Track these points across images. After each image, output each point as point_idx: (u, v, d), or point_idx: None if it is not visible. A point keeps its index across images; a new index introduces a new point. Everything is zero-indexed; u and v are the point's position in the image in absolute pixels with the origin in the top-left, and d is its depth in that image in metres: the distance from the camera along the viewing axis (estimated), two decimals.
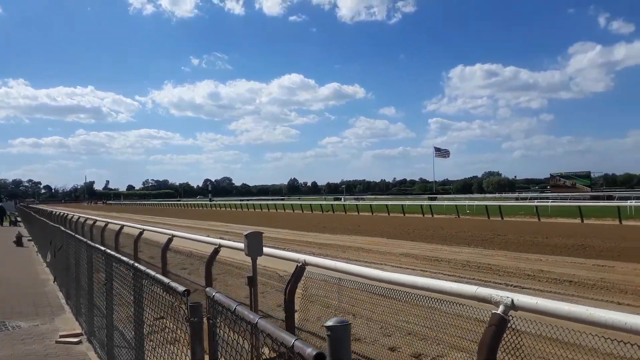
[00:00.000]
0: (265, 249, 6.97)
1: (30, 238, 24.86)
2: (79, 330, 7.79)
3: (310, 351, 1.85)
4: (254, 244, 6.81)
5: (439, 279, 6.24)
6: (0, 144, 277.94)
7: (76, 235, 8.76)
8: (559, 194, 73.93)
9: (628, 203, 34.81)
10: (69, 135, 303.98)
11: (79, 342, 7.26)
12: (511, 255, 14.77)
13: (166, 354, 4.20)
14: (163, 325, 4.91)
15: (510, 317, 3.81)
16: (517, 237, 19.83)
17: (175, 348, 4.11)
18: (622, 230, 23.44)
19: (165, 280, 3.68)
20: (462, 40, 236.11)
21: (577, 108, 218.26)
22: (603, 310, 3.31)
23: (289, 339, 2.02)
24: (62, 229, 11.25)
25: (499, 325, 3.78)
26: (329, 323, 1.87)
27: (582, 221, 29.93)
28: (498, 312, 3.82)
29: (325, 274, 6.45)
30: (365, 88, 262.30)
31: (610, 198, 62.62)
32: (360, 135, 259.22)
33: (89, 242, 7.37)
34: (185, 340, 3.97)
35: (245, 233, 6.82)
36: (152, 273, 4.02)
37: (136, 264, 4.61)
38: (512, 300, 3.78)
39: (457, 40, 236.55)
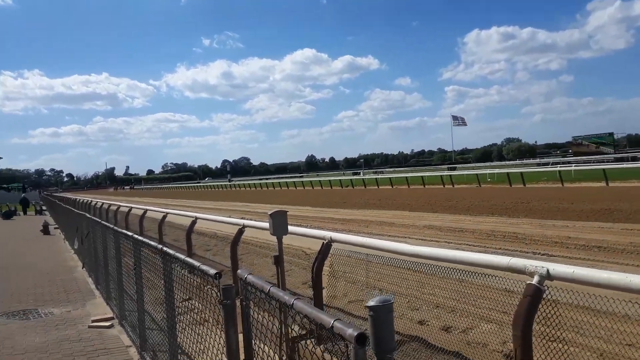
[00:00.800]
0: (290, 228, 6.95)
1: (56, 226, 25.31)
2: (110, 315, 7.92)
3: (351, 332, 1.80)
4: (279, 223, 6.79)
5: (463, 250, 6.18)
6: (21, 135, 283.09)
7: (102, 222, 8.85)
8: (582, 157, 72.79)
9: None
10: (87, 123, 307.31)
11: (111, 326, 7.38)
12: (536, 222, 14.59)
13: (195, 334, 4.25)
14: (191, 307, 4.97)
15: (546, 287, 3.74)
16: (541, 204, 19.58)
17: (204, 328, 4.15)
18: None
19: (196, 263, 3.67)
20: (475, 3, 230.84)
21: (598, 67, 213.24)
22: None
23: (328, 320, 1.98)
24: (88, 215, 11.39)
25: (534, 296, 3.71)
26: (371, 303, 1.81)
27: (607, 184, 29.46)
28: (533, 282, 3.74)
29: (351, 250, 6.41)
30: (379, 59, 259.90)
31: (635, 159, 61.36)
32: (375, 107, 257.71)
33: (116, 228, 7.43)
34: (213, 320, 4.00)
35: (269, 212, 6.79)
36: (182, 257, 4.02)
37: (164, 248, 4.62)
38: (548, 270, 3.69)
39: (472, 3, 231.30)
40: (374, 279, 7.10)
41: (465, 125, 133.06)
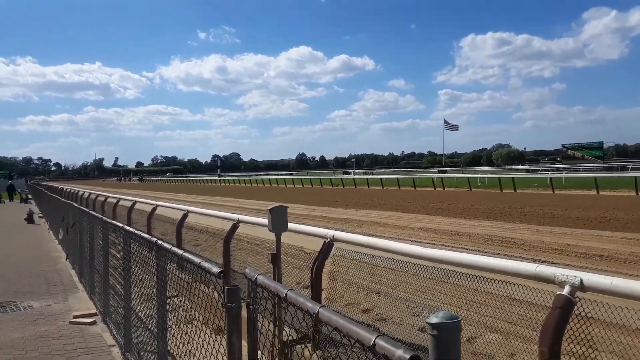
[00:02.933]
0: (290, 225, 6.60)
1: (41, 215, 24.69)
2: (93, 310, 7.51)
3: (401, 354, 1.46)
4: (279, 219, 6.43)
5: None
6: (10, 122, 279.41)
7: (90, 212, 8.42)
8: (571, 165, 73.18)
9: None
10: (77, 113, 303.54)
11: (94, 323, 6.97)
12: (533, 228, 14.35)
13: (182, 334, 4.01)
14: (177, 305, 4.62)
15: (577, 299, 3.43)
16: (535, 210, 19.38)
17: (189, 329, 3.88)
18: None
19: (196, 259, 3.31)
20: (473, 7, 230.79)
21: (590, 76, 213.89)
22: None
23: (369, 337, 1.63)
24: (75, 205, 10.95)
25: (565, 308, 3.39)
26: (434, 319, 1.47)
27: (598, 192, 29.43)
28: (563, 293, 3.43)
29: (354, 251, 6.07)
30: (375, 60, 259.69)
31: (623, 169, 61.83)
32: (369, 108, 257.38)
33: (105, 218, 7.03)
34: (202, 319, 3.71)
35: (268, 207, 6.43)
36: (180, 252, 3.66)
37: (160, 242, 4.25)
38: (581, 280, 3.38)
39: (469, 8, 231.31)
40: (376, 282, 6.78)
41: (457, 130, 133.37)
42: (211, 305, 3.40)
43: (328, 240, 6.21)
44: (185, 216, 11.15)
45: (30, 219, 22.19)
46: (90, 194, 22.83)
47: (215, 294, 3.07)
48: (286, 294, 2.34)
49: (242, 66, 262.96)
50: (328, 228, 14.13)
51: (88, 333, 6.49)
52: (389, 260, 5.44)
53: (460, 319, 1.47)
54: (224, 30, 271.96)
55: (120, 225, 5.90)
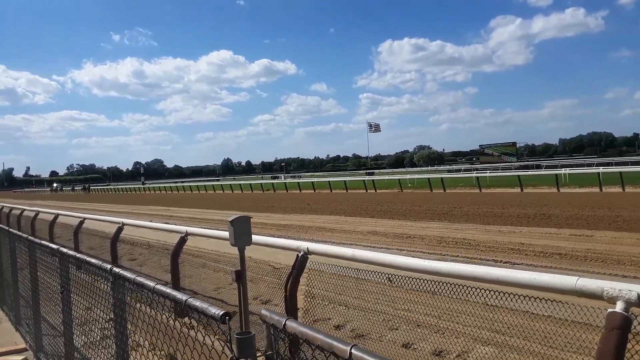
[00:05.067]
0: (255, 237, 5.83)
1: None
2: (22, 345, 6.39)
3: None
4: (241, 232, 5.65)
5: (420, 257, 5.32)
6: None
7: (11, 230, 7.23)
8: (490, 164, 76.39)
9: (563, 171, 35.84)
10: None
11: None
12: (481, 228, 14.27)
13: None
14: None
15: (633, 316, 2.96)
16: (474, 209, 19.53)
17: (138, 354, 3.37)
18: (566, 197, 23.76)
19: (181, 296, 2.52)
20: (391, 13, 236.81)
21: (499, 81, 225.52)
22: None
23: None
24: None
25: (623, 328, 2.91)
26: None
27: (522, 190, 30.48)
28: (617, 310, 2.96)
29: (333, 264, 5.41)
30: (297, 64, 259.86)
31: (538, 167, 65.61)
32: (292, 112, 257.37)
33: (31, 237, 5.95)
34: (149, 345, 3.15)
35: (229, 218, 5.63)
36: (151, 284, 2.83)
37: (115, 269, 3.40)
38: (638, 295, 2.92)
39: (387, 13, 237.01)
40: (354, 296, 6.17)
41: (380, 131, 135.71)
42: (160, 330, 2.84)
43: (301, 253, 5.52)
44: (120, 229, 10.04)
45: None
46: (2, 207, 20.74)
47: (216, 344, 2.32)
48: (351, 351, 1.64)
49: (160, 70, 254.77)
50: (272, 235, 13.39)
51: None
52: (378, 274, 4.83)
53: None
54: (140, 33, 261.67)
55: (55, 247, 4.90)
